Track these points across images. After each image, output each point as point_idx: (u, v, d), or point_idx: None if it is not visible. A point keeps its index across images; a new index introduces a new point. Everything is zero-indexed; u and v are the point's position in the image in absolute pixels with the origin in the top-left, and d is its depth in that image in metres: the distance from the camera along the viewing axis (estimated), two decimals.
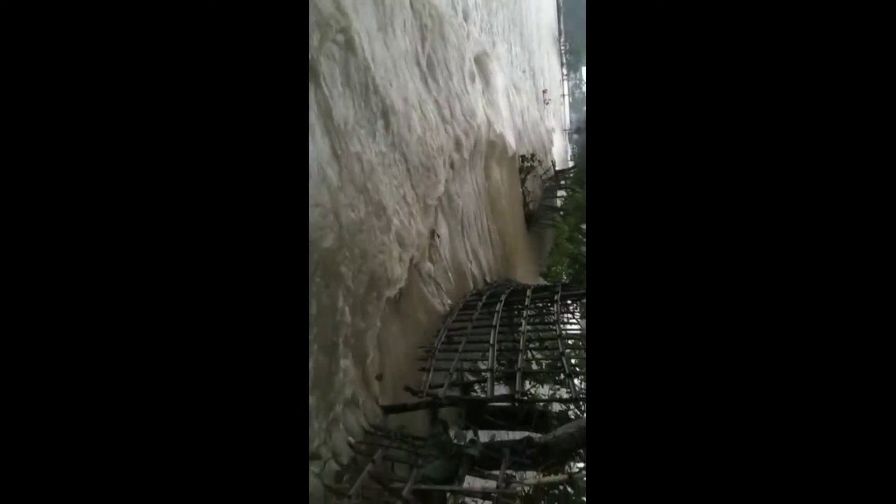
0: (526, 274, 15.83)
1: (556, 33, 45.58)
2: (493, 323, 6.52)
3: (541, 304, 7.75)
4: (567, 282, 9.34)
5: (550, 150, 29.86)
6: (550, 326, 6.81)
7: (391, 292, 5.89)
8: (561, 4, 49.18)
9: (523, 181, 18.78)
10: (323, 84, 5.09)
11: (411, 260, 6.66)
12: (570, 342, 6.42)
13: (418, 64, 8.49)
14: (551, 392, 6.37)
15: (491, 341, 6.03)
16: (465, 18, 12.84)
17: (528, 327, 6.68)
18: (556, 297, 7.29)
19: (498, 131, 14.15)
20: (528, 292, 7.79)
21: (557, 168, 27.54)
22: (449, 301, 8.02)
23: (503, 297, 7.58)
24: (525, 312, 6.98)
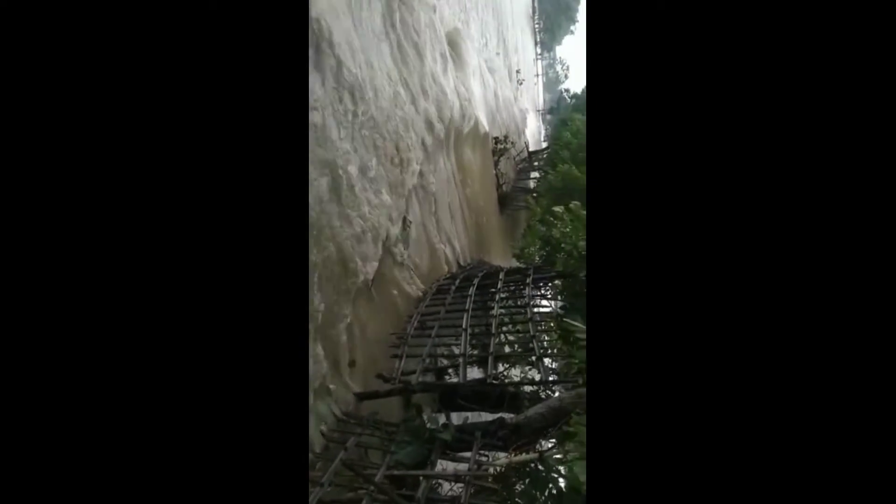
0: (500, 255, 15.94)
1: (531, 11, 45.20)
2: (466, 307, 6.56)
3: (513, 287, 7.82)
4: (539, 264, 9.42)
5: (524, 130, 29.85)
6: (522, 309, 6.90)
7: (363, 277, 5.84)
8: None
9: (497, 163, 18.77)
10: None
11: (384, 244, 6.60)
12: (541, 325, 6.53)
13: (389, 43, 8.29)
14: (522, 375, 6.47)
15: (464, 325, 6.08)
16: None
17: (502, 310, 6.75)
18: (527, 280, 7.37)
19: (471, 112, 14.05)
20: (501, 275, 7.85)
21: (531, 149, 27.63)
22: (422, 285, 8.02)
23: (476, 281, 7.63)
24: (498, 296, 7.04)
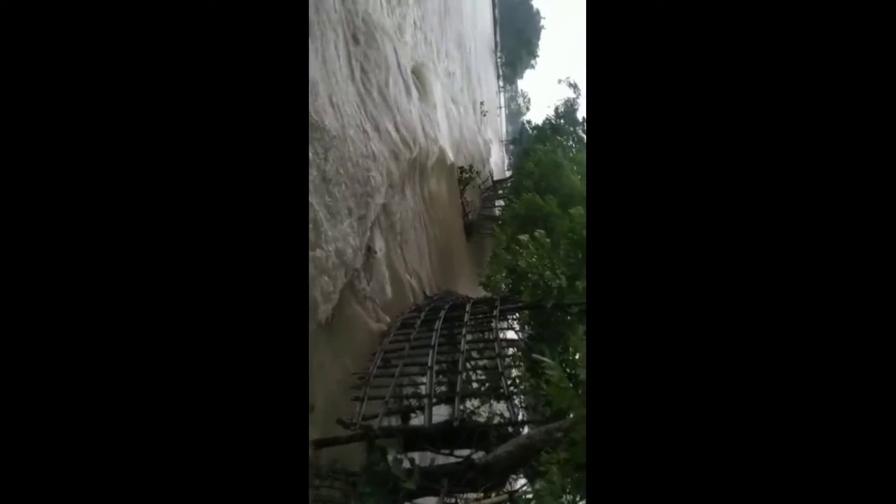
0: (467, 283, 15.85)
1: (493, 46, 46.68)
2: (433, 342, 6.37)
3: (481, 318, 7.69)
4: (506, 294, 9.36)
5: (488, 160, 30.36)
6: (490, 343, 6.76)
7: (322, 315, 5.59)
8: (497, 18, 50.48)
9: (462, 192, 18.90)
10: None
11: (345, 277, 6.38)
12: (509, 357, 6.40)
13: (352, 75, 8.25)
14: (490, 413, 6.30)
15: (430, 363, 5.87)
16: (401, 30, 12.75)
17: (468, 346, 6.59)
18: (494, 313, 7.26)
19: (436, 143, 14.13)
20: (468, 307, 7.72)
21: (495, 178, 28.06)
22: (387, 319, 7.79)
23: (442, 314, 7.46)
24: (465, 330, 6.88)
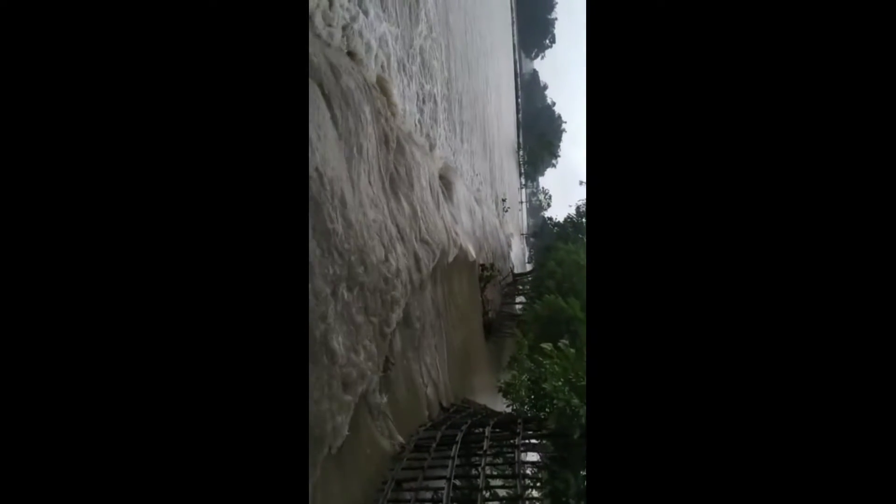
0: (485, 388, 15.15)
1: (515, 146, 49.11)
2: (448, 475, 5.83)
3: (501, 442, 7.12)
4: (528, 412, 8.80)
5: (509, 254, 30.62)
6: (511, 475, 6.18)
7: (333, 444, 5.20)
8: (521, 121, 53.66)
9: (483, 289, 18.77)
10: None
11: (360, 396, 6.04)
12: (530, 485, 5.81)
13: (382, 184, 8.50)
14: None
15: (445, 500, 5.32)
16: (429, 136, 13.41)
17: (488, 477, 6.02)
18: (516, 441, 6.72)
19: (459, 242, 14.26)
20: (487, 431, 7.18)
21: (516, 271, 28.07)
22: (400, 438, 7.28)
23: (459, 436, 6.94)
24: (484, 461, 6.33)
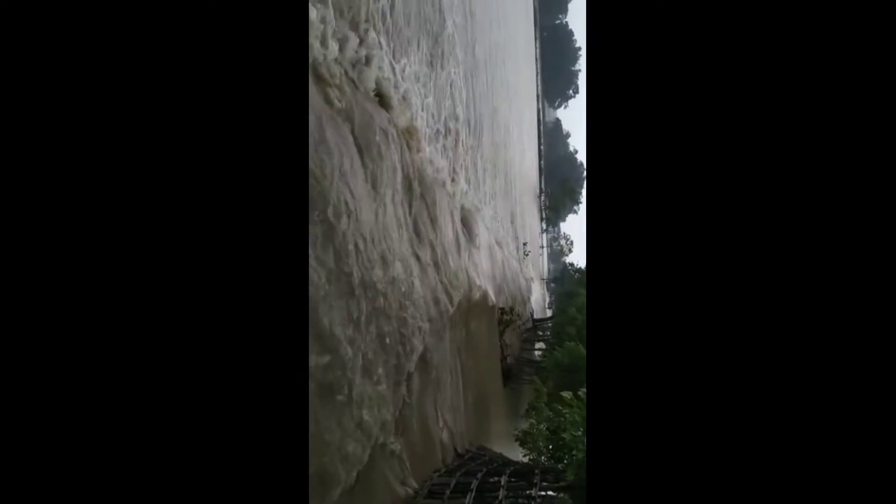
0: (501, 435, 14.71)
1: (537, 191, 49.56)
2: None
3: (517, 497, 6.87)
4: (545, 462, 8.50)
5: (529, 299, 30.32)
6: None
7: (344, 488, 5.11)
8: (543, 167, 54.37)
9: (501, 334, 18.55)
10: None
11: (375, 442, 5.96)
12: None
13: (406, 227, 8.67)
14: None
15: None
16: (453, 179, 13.71)
17: None
18: (533, 493, 6.48)
19: (479, 286, 14.26)
20: (503, 480, 6.95)
21: (535, 316, 27.69)
22: (414, 483, 7.10)
23: (474, 485, 6.73)
24: None
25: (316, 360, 4.87)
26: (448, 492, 6.82)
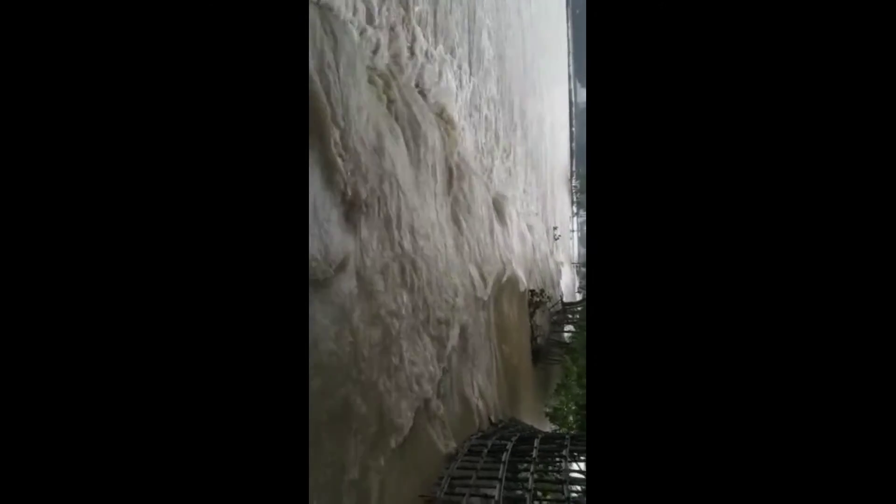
0: (530, 411, 15.31)
1: (568, 175, 49.05)
2: (499, 475, 6.29)
3: (549, 456, 7.48)
4: (576, 431, 9.05)
5: (559, 282, 30.54)
6: (558, 485, 6.53)
7: (398, 439, 5.83)
8: (574, 150, 53.57)
9: (532, 314, 19.02)
10: (361, 224, 5.64)
11: (425, 402, 6.66)
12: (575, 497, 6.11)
13: (445, 210, 9.25)
14: None
15: (497, 498, 5.78)
16: (486, 163, 14.16)
17: (535, 485, 6.42)
18: (563, 452, 7.07)
19: (511, 268, 14.75)
20: (536, 442, 7.57)
21: (565, 300, 27.94)
22: (453, 444, 7.79)
23: (510, 446, 7.37)
24: (532, 467, 6.73)
25: (370, 332, 5.58)
26: (485, 451, 7.49)
